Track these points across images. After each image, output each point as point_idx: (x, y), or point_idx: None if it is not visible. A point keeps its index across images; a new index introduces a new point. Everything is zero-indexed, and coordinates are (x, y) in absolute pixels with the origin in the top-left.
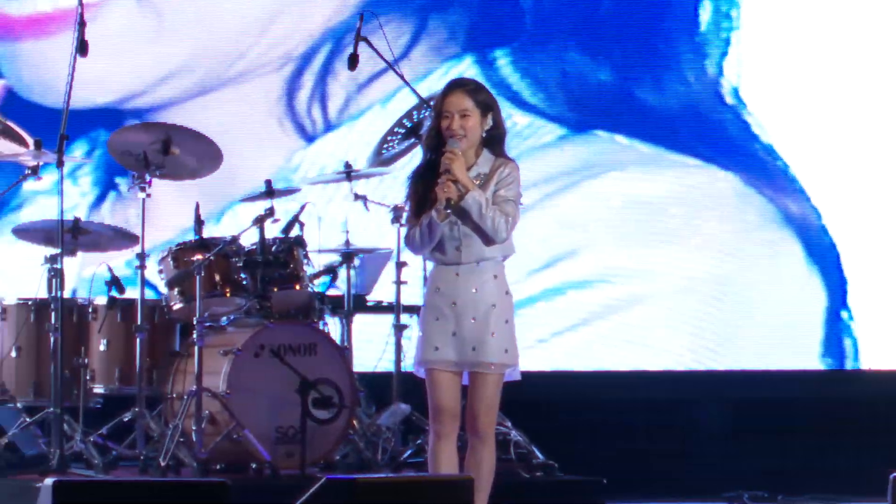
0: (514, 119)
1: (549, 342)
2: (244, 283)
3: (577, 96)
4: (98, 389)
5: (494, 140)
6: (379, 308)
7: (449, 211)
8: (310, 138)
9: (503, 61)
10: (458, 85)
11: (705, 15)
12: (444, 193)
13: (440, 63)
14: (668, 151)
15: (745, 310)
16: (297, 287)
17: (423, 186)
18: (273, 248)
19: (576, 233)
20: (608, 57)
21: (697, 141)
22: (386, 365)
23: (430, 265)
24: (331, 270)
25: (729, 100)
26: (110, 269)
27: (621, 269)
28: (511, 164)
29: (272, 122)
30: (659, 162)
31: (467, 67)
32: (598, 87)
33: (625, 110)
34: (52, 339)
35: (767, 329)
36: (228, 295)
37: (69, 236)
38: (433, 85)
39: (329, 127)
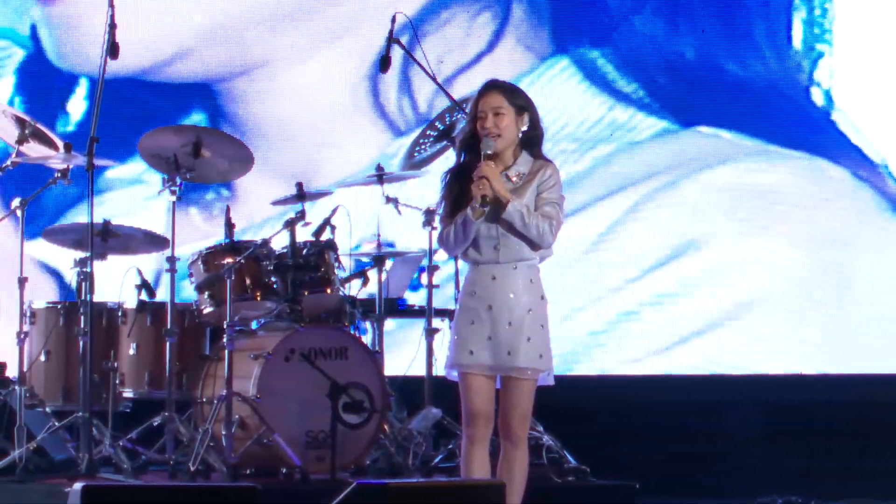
0: (615, 112)
1: (674, 348)
2: (275, 286)
3: (676, 89)
4: (127, 393)
5: (532, 141)
6: (410, 312)
7: (485, 209)
8: (399, 132)
9: (595, 53)
10: (492, 86)
11: (799, 14)
12: (480, 191)
13: (537, 62)
14: (771, 145)
15: (862, 305)
16: (329, 291)
17: (459, 187)
18: (304, 252)
19: (687, 227)
20: (705, 47)
21: (801, 135)
22: (417, 369)
23: (463, 270)
24: (362, 274)
25: (820, 100)
26: (140, 273)
27: (732, 266)
28: (551, 165)
29: (359, 114)
30: (767, 156)
31: (565, 68)
32: (695, 79)
33: (726, 104)
34: (81, 343)
35: (887, 323)
36: (259, 299)
37: (99, 239)
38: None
39: (421, 121)
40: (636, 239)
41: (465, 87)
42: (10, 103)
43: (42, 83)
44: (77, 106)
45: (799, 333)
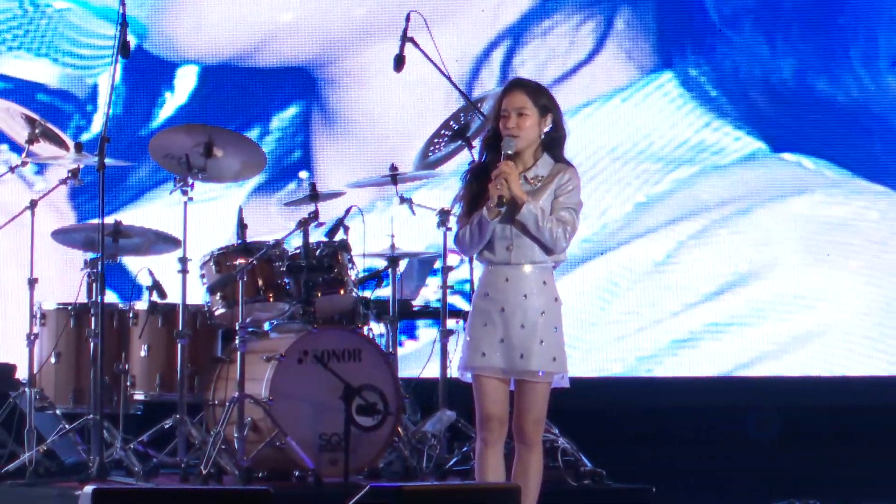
0: (704, 133)
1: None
2: (288, 287)
3: (770, 110)
4: (139, 396)
5: (554, 143)
6: (425, 313)
7: (501, 209)
8: None
9: (694, 70)
10: (518, 84)
11: None
12: (497, 191)
13: (637, 74)
14: (855, 177)
15: None
16: (342, 292)
17: (478, 185)
18: (317, 253)
19: (753, 256)
20: (801, 68)
21: (889, 164)
22: (431, 371)
23: (478, 271)
24: (376, 275)
25: None
26: (151, 274)
27: (792, 298)
28: (571, 170)
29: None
30: (845, 187)
31: (662, 84)
32: (790, 101)
33: (819, 127)
34: (92, 345)
35: None
36: (271, 300)
37: (110, 240)
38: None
39: None
40: (700, 264)
41: (563, 96)
42: (117, 92)
43: (146, 71)
44: (180, 92)
45: (850, 369)
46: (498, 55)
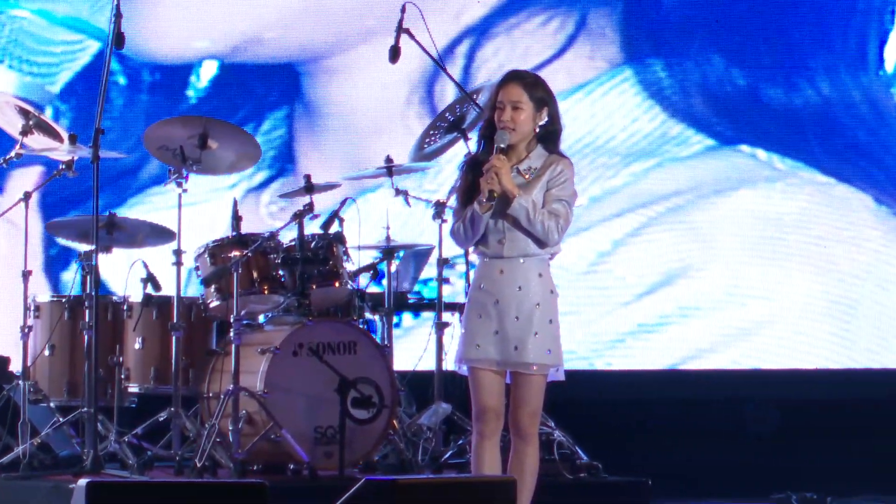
0: (666, 127)
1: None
2: (283, 280)
3: (721, 106)
4: (133, 389)
5: (549, 136)
6: (420, 306)
7: (491, 203)
8: None
9: (658, 66)
10: (514, 77)
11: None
12: (487, 185)
13: (600, 71)
14: (806, 168)
15: (875, 334)
16: (337, 284)
17: (474, 177)
18: (312, 245)
19: (705, 248)
20: (756, 67)
21: (836, 157)
22: (427, 363)
23: (474, 263)
24: (372, 268)
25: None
26: (146, 266)
27: (747, 288)
28: (564, 161)
29: (412, 109)
30: (793, 178)
31: (626, 79)
32: (741, 98)
33: (767, 122)
34: (86, 338)
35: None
36: (266, 292)
37: (104, 232)
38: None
39: None
40: (640, 261)
41: None
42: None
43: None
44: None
45: (798, 356)
46: (462, 50)
